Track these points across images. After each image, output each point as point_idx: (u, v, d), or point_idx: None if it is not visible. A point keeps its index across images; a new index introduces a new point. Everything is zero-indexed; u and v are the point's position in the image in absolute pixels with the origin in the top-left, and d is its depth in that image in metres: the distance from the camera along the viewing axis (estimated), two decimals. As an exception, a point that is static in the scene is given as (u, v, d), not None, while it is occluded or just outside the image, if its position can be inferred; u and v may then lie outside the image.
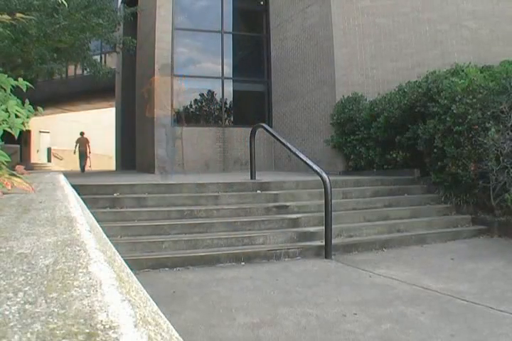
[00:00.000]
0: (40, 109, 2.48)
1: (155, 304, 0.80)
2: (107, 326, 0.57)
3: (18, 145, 24.69)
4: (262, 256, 5.93)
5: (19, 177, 2.14)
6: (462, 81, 8.20)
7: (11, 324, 0.56)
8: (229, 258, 5.78)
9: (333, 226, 6.24)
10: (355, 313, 3.88)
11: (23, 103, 2.39)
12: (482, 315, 3.89)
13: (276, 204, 7.36)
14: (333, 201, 6.75)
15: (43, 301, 0.64)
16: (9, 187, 1.94)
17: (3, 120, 2.02)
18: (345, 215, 7.37)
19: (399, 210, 7.93)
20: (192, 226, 6.43)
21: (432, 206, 8.30)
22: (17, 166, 2.49)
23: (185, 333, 3.42)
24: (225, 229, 6.50)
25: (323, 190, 6.17)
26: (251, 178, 8.45)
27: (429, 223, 7.65)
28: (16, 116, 2.11)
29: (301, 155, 6.42)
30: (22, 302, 0.63)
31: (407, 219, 7.68)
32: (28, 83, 2.47)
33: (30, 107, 2.37)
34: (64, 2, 3.22)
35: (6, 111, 2.06)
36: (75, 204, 1.58)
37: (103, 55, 22.31)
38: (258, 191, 7.65)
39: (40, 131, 34.22)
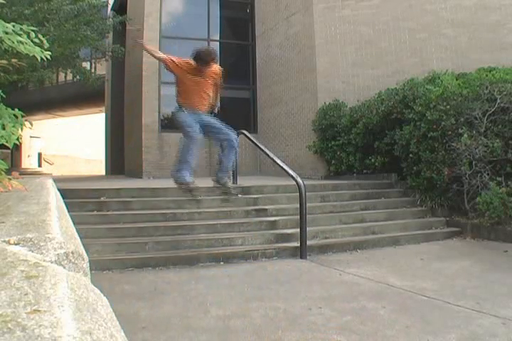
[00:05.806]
0: (28, 124, 2.78)
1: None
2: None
3: (9, 151, 24.85)
4: (240, 257, 6.16)
5: (15, 180, 2.89)
6: (437, 88, 8.46)
7: None
8: (208, 259, 6.02)
9: (309, 229, 6.49)
10: (320, 307, 4.17)
11: (13, 109, 2.82)
12: (439, 309, 4.12)
13: (256, 207, 7.58)
14: (311, 204, 7.05)
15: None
16: (10, 188, 2.70)
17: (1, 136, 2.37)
18: (322, 218, 7.59)
19: (375, 213, 8.11)
20: (174, 228, 6.66)
21: (408, 209, 8.50)
22: (13, 172, 3.32)
23: (162, 323, 3.75)
24: (206, 230, 6.72)
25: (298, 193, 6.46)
26: (232, 183, 8.59)
27: (404, 225, 7.83)
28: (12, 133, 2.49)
29: (278, 161, 6.68)
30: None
31: (382, 221, 7.86)
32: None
33: (22, 120, 2.77)
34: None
35: (3, 127, 2.41)
36: (52, 196, 2.40)
37: (93, 61, 22.45)
38: (239, 195, 7.88)
39: (31, 136, 34.28)
